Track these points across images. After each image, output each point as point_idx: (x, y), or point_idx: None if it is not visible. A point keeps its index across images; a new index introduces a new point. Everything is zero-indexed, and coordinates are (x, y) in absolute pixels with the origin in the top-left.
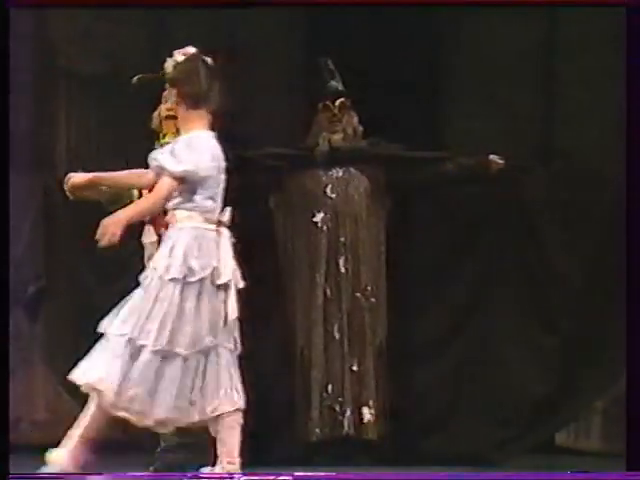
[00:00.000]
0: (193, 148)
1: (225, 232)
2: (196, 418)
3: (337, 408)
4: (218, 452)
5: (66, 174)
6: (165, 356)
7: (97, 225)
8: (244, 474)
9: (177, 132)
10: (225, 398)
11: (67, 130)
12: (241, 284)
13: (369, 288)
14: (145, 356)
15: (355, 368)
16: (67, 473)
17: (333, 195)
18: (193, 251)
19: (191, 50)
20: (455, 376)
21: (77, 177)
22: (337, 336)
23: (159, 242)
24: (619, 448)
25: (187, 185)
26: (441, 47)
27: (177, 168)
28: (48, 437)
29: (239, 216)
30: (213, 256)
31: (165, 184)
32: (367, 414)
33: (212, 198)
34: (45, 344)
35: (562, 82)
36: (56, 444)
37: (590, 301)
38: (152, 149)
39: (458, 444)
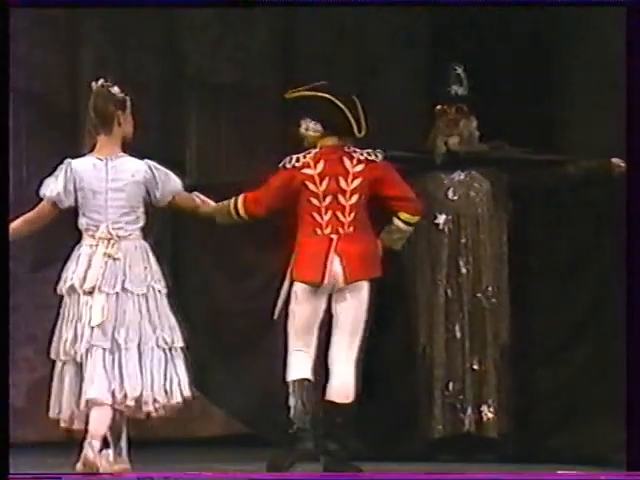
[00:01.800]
0: (56, 173)
1: (100, 246)
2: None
3: (458, 406)
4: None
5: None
6: (64, 361)
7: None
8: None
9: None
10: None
11: (197, 138)
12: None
13: (490, 289)
14: (56, 366)
15: (476, 367)
16: (67, 473)
17: (455, 198)
18: (69, 265)
19: (99, 82)
20: (577, 376)
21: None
22: (458, 335)
23: None
24: None
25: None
26: (559, 51)
27: (40, 191)
28: (179, 432)
29: None
30: (78, 267)
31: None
32: (487, 412)
33: (88, 217)
34: None
35: None
36: (186, 439)
37: None
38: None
39: (580, 444)
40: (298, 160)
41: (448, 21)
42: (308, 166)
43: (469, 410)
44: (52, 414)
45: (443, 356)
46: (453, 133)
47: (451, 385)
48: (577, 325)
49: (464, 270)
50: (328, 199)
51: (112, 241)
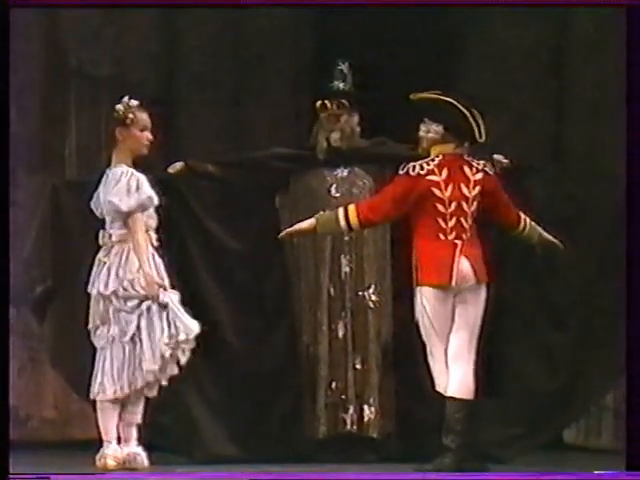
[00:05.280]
0: None
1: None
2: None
3: (340, 405)
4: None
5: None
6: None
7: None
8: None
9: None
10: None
11: (76, 131)
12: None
13: (373, 287)
14: None
15: (358, 366)
16: (67, 473)
17: (337, 195)
18: None
19: None
20: None
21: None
22: (341, 334)
23: None
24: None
25: None
26: (449, 48)
27: None
28: (57, 434)
29: (246, 216)
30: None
31: None
32: (369, 412)
33: (102, 224)
34: (52, 344)
35: (570, 81)
36: (65, 441)
37: (597, 298)
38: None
39: (465, 442)
40: (422, 167)
41: (335, 17)
42: (433, 173)
43: (351, 409)
44: None
45: (326, 355)
46: (334, 129)
47: (334, 384)
48: None
49: (347, 268)
50: (453, 205)
51: (104, 246)
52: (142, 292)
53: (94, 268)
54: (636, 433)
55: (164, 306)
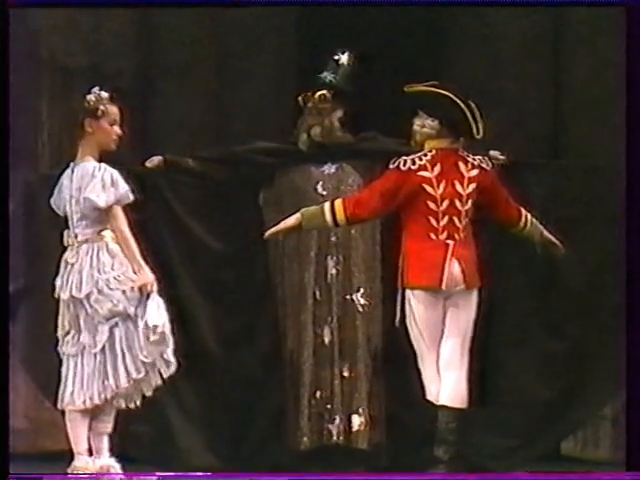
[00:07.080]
0: None
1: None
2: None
3: (325, 415)
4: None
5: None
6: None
7: None
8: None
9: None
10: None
11: (49, 123)
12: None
13: (362, 290)
14: None
15: (345, 374)
16: (67, 473)
17: (324, 192)
18: None
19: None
20: None
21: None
22: (327, 340)
23: None
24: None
25: None
26: (445, 42)
27: None
28: (28, 445)
29: (228, 214)
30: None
31: None
32: (357, 422)
33: (68, 223)
34: (24, 348)
35: (569, 77)
36: (36, 452)
37: (596, 305)
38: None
39: (458, 453)
40: (414, 162)
41: (325, 7)
42: (425, 169)
43: (337, 420)
44: None
45: (311, 362)
46: (316, 122)
47: (319, 393)
48: None
49: (334, 270)
50: (445, 203)
51: (70, 247)
52: (121, 289)
53: (61, 271)
54: (636, 434)
55: (148, 295)
